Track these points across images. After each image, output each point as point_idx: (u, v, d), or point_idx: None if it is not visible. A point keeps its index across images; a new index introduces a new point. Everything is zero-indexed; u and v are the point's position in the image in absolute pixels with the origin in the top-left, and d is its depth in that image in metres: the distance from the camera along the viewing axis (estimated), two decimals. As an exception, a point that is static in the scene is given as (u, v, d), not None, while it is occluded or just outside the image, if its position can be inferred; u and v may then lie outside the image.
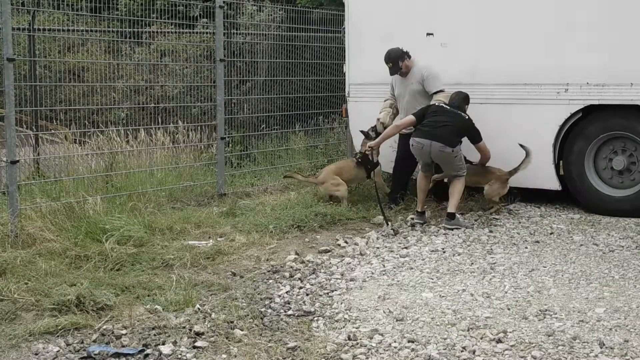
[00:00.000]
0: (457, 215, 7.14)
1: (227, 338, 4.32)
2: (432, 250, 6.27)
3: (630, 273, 5.52)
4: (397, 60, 7.75)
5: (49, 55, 9.87)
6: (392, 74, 7.87)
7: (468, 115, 7.34)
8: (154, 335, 4.38)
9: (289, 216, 7.21)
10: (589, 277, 5.44)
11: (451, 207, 7.12)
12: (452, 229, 6.95)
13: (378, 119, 8.00)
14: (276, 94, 10.73)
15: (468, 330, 4.40)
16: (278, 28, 11.34)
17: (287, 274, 5.63)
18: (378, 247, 6.42)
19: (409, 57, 7.81)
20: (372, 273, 5.65)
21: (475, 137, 7.34)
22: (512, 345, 4.16)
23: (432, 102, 7.58)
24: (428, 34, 8.23)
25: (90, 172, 7.91)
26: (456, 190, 7.21)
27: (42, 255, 5.78)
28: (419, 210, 7.32)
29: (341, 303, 4.96)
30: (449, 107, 7.36)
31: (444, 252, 6.23)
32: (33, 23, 8.36)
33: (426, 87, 7.73)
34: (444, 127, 7.13)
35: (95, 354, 4.11)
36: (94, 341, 4.31)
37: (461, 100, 7.39)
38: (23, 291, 4.98)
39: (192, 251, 6.08)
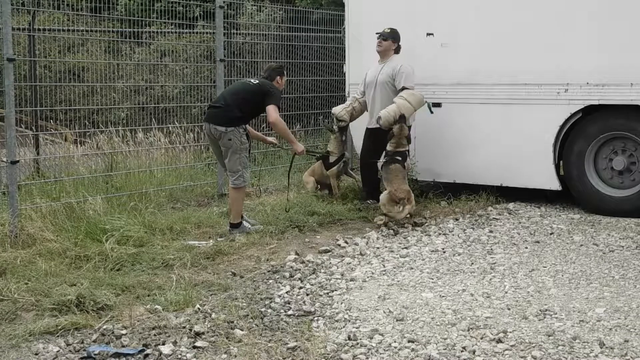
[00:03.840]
0: (244, 222, 6.81)
1: (227, 338, 4.31)
2: (432, 251, 6.27)
3: (630, 273, 5.52)
4: (392, 36, 7.80)
5: (49, 55, 9.87)
6: (378, 34, 7.88)
7: (263, 81, 6.87)
8: (154, 335, 4.38)
9: (288, 216, 7.21)
10: (589, 277, 5.45)
11: (231, 218, 6.80)
12: (237, 234, 6.66)
13: (333, 114, 8.10)
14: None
15: (468, 330, 4.40)
16: (278, 28, 11.34)
17: (287, 274, 5.63)
18: (378, 247, 6.42)
19: (397, 51, 7.86)
20: (372, 273, 5.65)
21: (267, 100, 6.69)
22: (512, 345, 4.16)
23: (395, 98, 7.54)
24: (428, 34, 8.24)
25: (90, 172, 7.92)
26: (232, 200, 6.77)
27: (42, 255, 5.78)
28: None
29: (341, 303, 4.96)
30: (244, 79, 7.13)
31: (444, 252, 6.23)
32: (33, 23, 8.35)
33: (396, 80, 7.69)
34: (219, 107, 6.72)
35: (95, 354, 4.11)
36: (94, 341, 4.31)
37: (271, 70, 7.02)
38: (23, 291, 4.98)
39: (192, 251, 6.08)
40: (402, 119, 7.43)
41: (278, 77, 6.98)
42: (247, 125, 6.85)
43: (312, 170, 8.44)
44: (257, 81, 6.89)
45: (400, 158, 7.35)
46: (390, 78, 7.74)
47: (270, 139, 7.47)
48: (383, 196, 7.17)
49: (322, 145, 10.46)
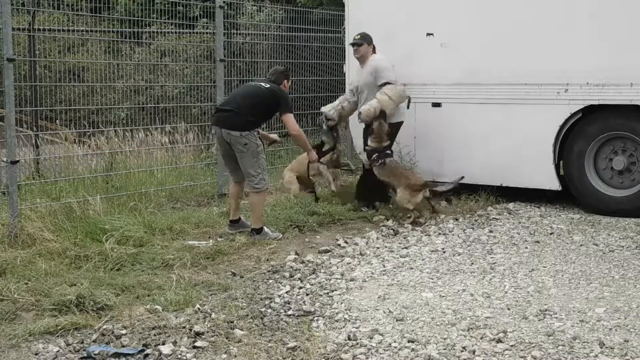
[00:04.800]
0: (265, 229, 6.67)
1: (227, 338, 4.31)
2: (432, 250, 6.27)
3: (630, 273, 5.53)
4: (365, 40, 7.78)
5: (49, 55, 9.87)
6: (351, 42, 7.98)
7: (273, 85, 6.75)
8: (154, 335, 4.38)
9: (288, 216, 7.21)
10: (589, 277, 5.45)
11: (253, 222, 6.67)
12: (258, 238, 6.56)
13: (322, 112, 8.05)
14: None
15: (468, 330, 4.40)
16: (278, 28, 11.34)
17: (287, 274, 5.63)
18: (378, 247, 6.42)
19: (374, 51, 7.82)
20: (372, 273, 5.65)
21: (280, 107, 6.69)
22: (512, 345, 4.16)
23: (377, 94, 7.54)
24: (428, 34, 8.25)
25: (90, 172, 7.91)
26: (253, 204, 6.65)
27: (42, 255, 5.78)
28: (231, 218, 6.83)
29: (341, 303, 4.96)
30: (254, 83, 7.11)
31: (444, 252, 6.23)
32: (33, 23, 8.35)
33: (375, 78, 7.69)
34: (231, 110, 6.57)
35: (95, 354, 4.11)
36: (94, 341, 4.31)
37: (278, 74, 6.93)
38: (23, 291, 4.98)
39: (192, 251, 6.08)
40: (382, 114, 7.46)
41: (285, 80, 6.92)
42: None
43: (292, 168, 8.33)
44: (269, 85, 6.76)
45: (390, 152, 7.45)
46: (372, 77, 7.73)
47: (273, 136, 7.42)
48: (401, 195, 7.19)
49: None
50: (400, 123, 7.86)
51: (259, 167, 6.57)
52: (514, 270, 5.65)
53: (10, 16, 6.29)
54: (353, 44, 7.92)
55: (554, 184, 7.78)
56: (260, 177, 6.58)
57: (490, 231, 6.91)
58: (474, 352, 4.08)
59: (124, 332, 4.42)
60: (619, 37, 7.24)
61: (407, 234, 6.90)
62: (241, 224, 6.85)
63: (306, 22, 10.84)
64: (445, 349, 4.14)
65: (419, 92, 8.28)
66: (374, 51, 7.88)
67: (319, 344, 4.22)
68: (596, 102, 7.45)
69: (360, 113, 7.60)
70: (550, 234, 6.79)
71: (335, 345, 4.20)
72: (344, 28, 9.01)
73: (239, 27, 11.00)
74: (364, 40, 7.83)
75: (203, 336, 4.34)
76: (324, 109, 8.17)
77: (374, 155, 7.44)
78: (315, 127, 10.64)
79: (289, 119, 6.72)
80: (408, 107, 7.86)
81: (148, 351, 4.14)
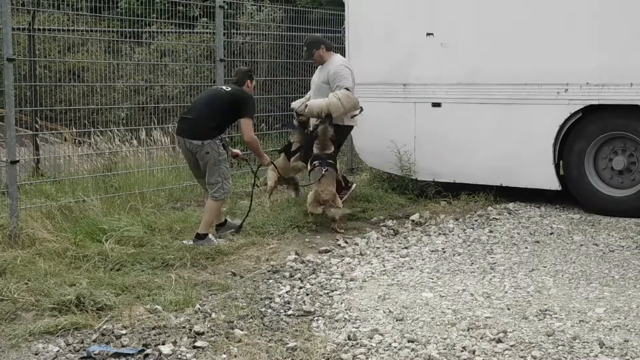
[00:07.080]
0: (210, 236, 6.47)
1: (227, 338, 4.32)
2: (432, 250, 6.27)
3: (630, 273, 5.53)
4: (312, 47, 7.63)
5: (49, 55, 9.87)
6: (304, 58, 7.93)
7: (235, 87, 6.68)
8: (154, 335, 4.38)
9: (288, 216, 7.21)
10: (589, 277, 5.45)
11: (201, 227, 6.44)
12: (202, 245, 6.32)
13: (293, 108, 7.87)
14: (276, 94, 10.73)
15: (468, 330, 4.40)
16: (278, 28, 11.34)
17: (287, 274, 5.63)
18: (378, 247, 6.42)
19: (328, 49, 7.65)
20: (372, 273, 5.65)
21: (242, 111, 6.52)
22: (512, 345, 4.17)
23: (330, 94, 7.36)
24: (428, 34, 8.24)
25: (90, 172, 7.91)
26: (207, 210, 6.49)
27: (41, 255, 5.79)
28: (216, 223, 6.74)
29: (341, 303, 4.96)
30: (215, 87, 7.01)
31: (444, 252, 6.23)
32: (33, 23, 8.36)
33: (330, 82, 7.47)
34: (192, 119, 6.46)
35: (95, 354, 4.11)
36: (94, 341, 4.31)
37: (242, 74, 6.82)
38: (23, 291, 4.99)
39: (192, 251, 6.08)
40: (328, 118, 7.29)
41: (248, 80, 6.78)
42: (223, 135, 6.67)
43: (274, 166, 8.20)
44: (229, 88, 6.67)
45: (332, 162, 7.24)
46: (325, 80, 7.55)
47: (236, 150, 7.27)
48: (310, 195, 7.11)
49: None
50: (350, 128, 7.75)
51: (219, 176, 6.43)
52: (514, 270, 5.65)
53: (10, 16, 6.29)
54: (307, 59, 7.78)
55: (553, 184, 7.78)
56: (220, 186, 6.44)
57: (490, 231, 6.91)
58: (474, 352, 4.08)
59: (124, 332, 4.42)
60: (619, 37, 7.24)
61: (407, 234, 6.90)
62: (228, 226, 6.82)
63: (306, 22, 10.84)
64: (445, 349, 4.14)
65: (419, 92, 8.28)
66: (329, 49, 7.68)
67: (319, 344, 4.22)
68: (596, 102, 7.45)
69: (306, 105, 7.44)
70: (550, 234, 6.80)
71: (335, 345, 4.21)
72: (344, 28, 9.01)
73: (239, 26, 11.00)
74: (313, 48, 7.61)
75: (203, 336, 4.34)
76: (294, 104, 7.91)
77: (316, 162, 7.21)
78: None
79: (246, 124, 6.52)
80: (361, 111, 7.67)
81: (148, 351, 4.14)
